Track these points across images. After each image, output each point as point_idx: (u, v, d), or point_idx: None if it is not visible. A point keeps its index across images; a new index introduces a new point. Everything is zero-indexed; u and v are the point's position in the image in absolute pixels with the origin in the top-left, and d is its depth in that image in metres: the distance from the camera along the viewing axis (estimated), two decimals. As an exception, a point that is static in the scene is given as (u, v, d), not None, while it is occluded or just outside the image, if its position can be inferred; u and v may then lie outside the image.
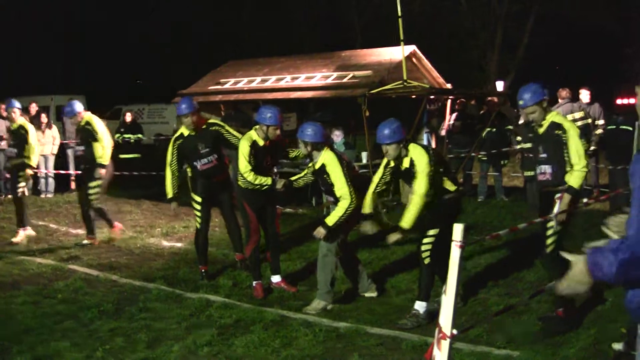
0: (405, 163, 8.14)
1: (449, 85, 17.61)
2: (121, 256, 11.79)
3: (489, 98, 17.86)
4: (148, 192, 18.48)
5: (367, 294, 9.21)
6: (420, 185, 7.94)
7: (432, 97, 16.42)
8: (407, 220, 7.95)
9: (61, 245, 12.60)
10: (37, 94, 29.15)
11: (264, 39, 37.72)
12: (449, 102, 17.50)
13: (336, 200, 8.68)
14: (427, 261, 8.15)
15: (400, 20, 14.87)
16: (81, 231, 13.56)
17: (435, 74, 17.45)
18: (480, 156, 16.55)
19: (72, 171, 19.92)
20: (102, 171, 12.22)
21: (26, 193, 13.75)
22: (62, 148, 19.91)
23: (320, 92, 16.10)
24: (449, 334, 4.67)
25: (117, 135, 20.89)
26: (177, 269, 10.77)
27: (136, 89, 40.29)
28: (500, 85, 22.67)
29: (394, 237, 8.15)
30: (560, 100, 14.68)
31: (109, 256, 11.77)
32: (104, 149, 12.24)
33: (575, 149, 7.71)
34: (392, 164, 8.34)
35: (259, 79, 17.50)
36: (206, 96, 17.87)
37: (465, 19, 36.50)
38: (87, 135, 12.34)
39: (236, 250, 10.93)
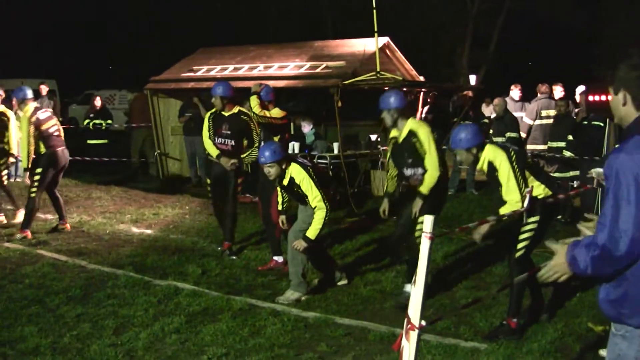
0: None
1: (421, 78, 17.64)
2: (90, 242, 11.72)
3: (464, 92, 17.93)
4: (117, 178, 18.40)
5: (339, 283, 9.23)
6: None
7: (404, 89, 16.44)
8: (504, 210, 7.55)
9: (30, 230, 12.48)
10: (7, 77, 28.89)
11: (236, 29, 37.58)
12: (421, 95, 17.53)
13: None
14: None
15: (374, 12, 14.87)
16: (50, 216, 13.47)
17: (408, 66, 17.46)
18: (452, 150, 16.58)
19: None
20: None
21: (5, 181, 13.69)
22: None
23: (293, 81, 16.06)
24: (417, 325, 4.68)
25: (87, 120, 20.74)
26: (146, 255, 10.71)
27: (108, 74, 39.95)
28: (473, 79, 22.80)
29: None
30: (539, 95, 14.78)
31: (78, 242, 11.70)
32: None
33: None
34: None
35: (231, 67, 17.44)
36: (178, 83, 17.80)
37: (437, 13, 36.55)
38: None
39: (225, 238, 11.03)
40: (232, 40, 24.64)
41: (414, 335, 4.70)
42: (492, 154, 7.55)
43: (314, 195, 8.50)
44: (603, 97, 19.52)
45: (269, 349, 7.05)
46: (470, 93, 17.56)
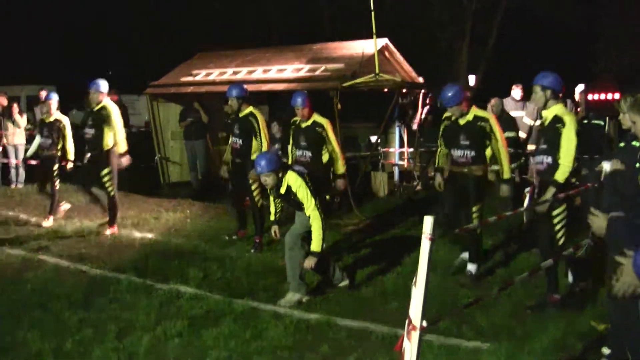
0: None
1: (421, 80, 17.63)
2: (91, 247, 11.74)
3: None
4: (119, 183, 18.37)
5: (341, 284, 9.24)
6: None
7: (404, 90, 16.45)
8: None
9: (31, 236, 12.51)
10: (7, 83, 28.87)
11: (235, 29, 37.46)
12: (420, 96, 17.53)
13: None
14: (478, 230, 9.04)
15: (372, 13, 14.87)
16: (51, 222, 13.50)
17: (408, 67, 17.44)
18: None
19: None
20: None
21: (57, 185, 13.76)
22: (33, 138, 19.74)
23: (292, 84, 16.05)
24: (418, 325, 4.69)
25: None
26: (148, 260, 10.72)
27: (108, 80, 39.86)
28: (472, 80, 22.76)
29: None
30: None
31: (80, 247, 11.72)
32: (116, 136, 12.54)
33: (567, 143, 7.94)
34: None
35: (230, 70, 17.44)
36: (178, 87, 17.80)
37: (435, 12, 36.43)
38: (101, 120, 12.49)
39: (238, 227, 12.06)
40: (231, 41, 24.62)
41: (415, 335, 4.71)
42: (564, 111, 8.11)
43: (309, 204, 8.55)
44: (602, 96, 19.55)
45: (271, 351, 7.06)
46: (468, 94, 17.57)
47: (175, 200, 16.00)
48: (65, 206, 13.99)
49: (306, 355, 6.98)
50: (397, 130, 17.33)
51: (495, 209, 11.56)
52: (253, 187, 11.54)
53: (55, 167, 13.54)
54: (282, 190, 8.78)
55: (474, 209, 9.38)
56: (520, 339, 7.20)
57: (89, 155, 12.74)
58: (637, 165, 5.73)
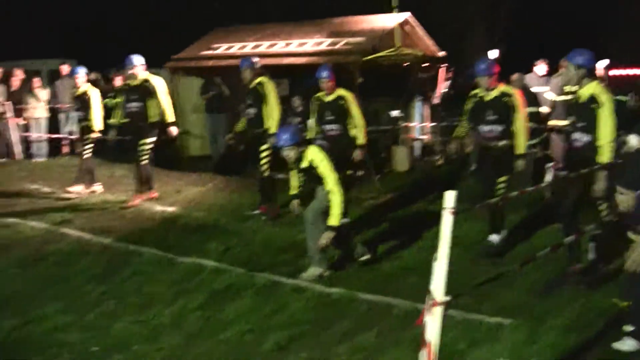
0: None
1: (442, 53, 17.54)
2: (113, 220, 11.79)
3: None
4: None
5: (362, 258, 9.22)
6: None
7: (425, 64, 16.37)
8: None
9: (54, 209, 12.57)
10: (29, 57, 28.92)
11: (255, 3, 37.26)
12: (441, 70, 17.44)
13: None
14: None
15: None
16: (73, 195, 13.60)
17: (429, 41, 17.35)
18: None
19: (64, 135, 19.87)
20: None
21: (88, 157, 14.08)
22: (54, 112, 19.82)
23: (313, 58, 16.01)
24: (439, 300, 4.69)
25: (107, 99, 20.74)
26: (169, 233, 10.77)
27: (129, 54, 39.78)
28: (493, 54, 22.52)
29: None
30: (560, 70, 14.63)
31: (102, 220, 11.78)
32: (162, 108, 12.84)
33: (604, 124, 7.98)
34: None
35: (252, 44, 17.40)
36: (198, 61, 17.79)
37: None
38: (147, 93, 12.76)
39: (260, 202, 11.99)
40: (252, 16, 24.50)
41: (437, 310, 4.71)
42: (600, 90, 8.07)
43: (330, 178, 8.56)
44: (623, 72, 19.33)
45: (292, 325, 7.08)
46: (498, 69, 17.43)
47: (195, 174, 16.00)
48: (97, 187, 14.27)
49: (327, 329, 6.99)
50: (417, 104, 17.25)
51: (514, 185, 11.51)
52: (263, 155, 11.63)
53: (88, 136, 13.86)
54: (304, 164, 8.79)
55: (500, 179, 9.50)
56: (541, 316, 7.17)
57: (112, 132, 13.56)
58: None
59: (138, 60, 12.94)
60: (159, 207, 12.70)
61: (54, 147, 19.51)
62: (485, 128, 9.65)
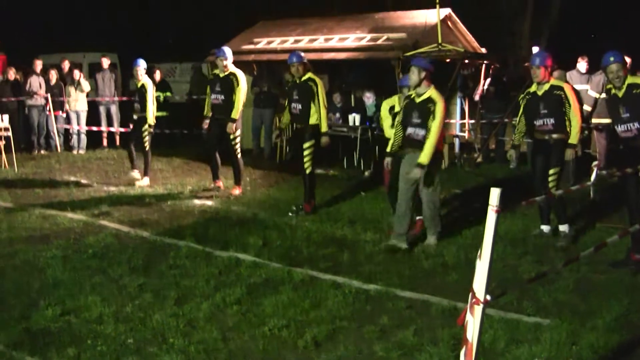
0: None
1: (483, 50, 17.40)
2: (152, 213, 11.82)
3: (526, 64, 17.64)
4: (179, 150, 18.54)
5: (400, 245, 9.64)
6: None
7: (466, 61, 16.25)
8: None
9: (93, 201, 12.63)
10: (70, 51, 29.15)
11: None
12: (483, 66, 17.30)
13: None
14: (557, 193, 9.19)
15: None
16: (112, 187, 13.68)
17: (470, 38, 17.23)
18: (514, 122, 16.38)
19: (104, 128, 20.01)
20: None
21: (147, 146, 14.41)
22: (95, 105, 19.96)
23: (353, 53, 15.97)
24: (482, 299, 4.61)
25: (158, 93, 20.84)
26: (207, 227, 10.76)
27: (169, 47, 40.02)
28: (535, 50, 22.31)
29: None
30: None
31: (140, 212, 11.80)
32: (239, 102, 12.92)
33: None
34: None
35: (292, 39, 17.39)
36: (239, 55, 17.78)
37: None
38: (229, 87, 12.89)
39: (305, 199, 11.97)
40: (293, 12, 24.46)
41: (478, 309, 4.63)
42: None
43: (438, 120, 9.47)
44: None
45: (330, 321, 7.03)
46: (550, 63, 17.26)
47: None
48: (135, 175, 14.71)
49: (365, 325, 6.92)
50: (458, 101, 17.15)
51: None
52: (306, 153, 11.61)
53: (144, 128, 14.15)
54: (423, 98, 9.64)
55: (552, 171, 9.79)
56: (582, 316, 7.08)
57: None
58: None
59: (229, 52, 13.15)
60: (197, 201, 12.72)
61: (94, 139, 19.64)
62: (538, 121, 9.91)
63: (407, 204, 9.70)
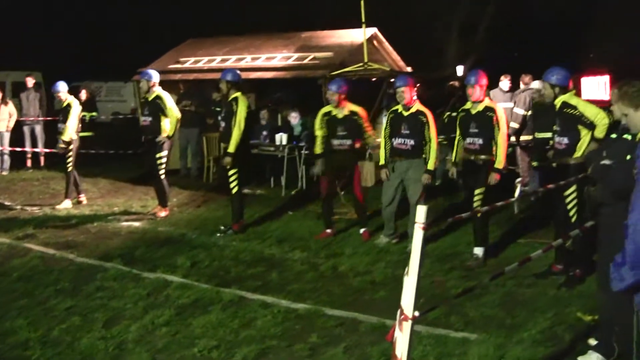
0: None
1: (409, 69, 17.59)
2: (78, 235, 11.68)
3: (450, 82, 17.89)
4: (104, 170, 18.33)
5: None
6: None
7: (392, 80, 16.39)
8: None
9: (17, 223, 12.43)
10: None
11: (224, 17, 37.18)
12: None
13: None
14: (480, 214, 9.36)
15: (362, 2, 14.85)
16: (36, 209, 13.49)
17: (396, 56, 17.43)
18: (440, 139, 16.54)
19: (28, 148, 19.71)
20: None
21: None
22: (19, 125, 19.65)
23: (280, 72, 16.03)
24: (410, 315, 4.66)
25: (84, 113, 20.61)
26: (135, 248, 10.67)
27: (95, 66, 39.65)
28: (460, 70, 22.67)
29: None
30: (522, 85, 14.75)
31: (66, 234, 11.66)
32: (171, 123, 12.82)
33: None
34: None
35: (219, 58, 17.37)
36: (166, 75, 17.70)
37: (426, 2, 36.13)
38: (157, 109, 12.76)
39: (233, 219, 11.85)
40: (221, 30, 24.44)
41: (407, 325, 4.68)
42: (569, 97, 8.77)
43: (433, 126, 10.41)
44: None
45: (259, 340, 7.03)
46: (457, 83, 17.53)
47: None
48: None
49: (295, 344, 6.94)
50: (384, 119, 17.25)
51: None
52: (231, 173, 11.59)
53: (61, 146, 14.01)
54: (411, 111, 10.54)
55: (477, 192, 9.83)
56: (509, 329, 7.19)
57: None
58: (628, 157, 5.64)
59: (155, 75, 13.05)
60: (124, 222, 12.60)
61: (18, 160, 19.32)
62: (467, 140, 10.05)
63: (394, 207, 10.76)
